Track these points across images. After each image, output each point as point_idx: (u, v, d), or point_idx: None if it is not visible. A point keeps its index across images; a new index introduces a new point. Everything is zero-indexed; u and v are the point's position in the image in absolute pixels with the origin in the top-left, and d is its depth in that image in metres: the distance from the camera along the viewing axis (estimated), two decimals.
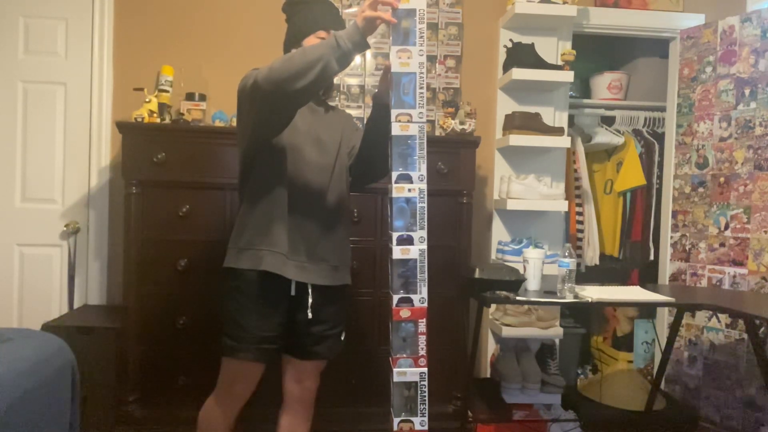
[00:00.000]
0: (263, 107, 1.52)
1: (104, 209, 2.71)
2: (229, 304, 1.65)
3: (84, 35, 2.69)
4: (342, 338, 1.78)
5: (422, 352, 1.41)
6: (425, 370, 1.41)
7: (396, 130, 1.39)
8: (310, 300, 1.64)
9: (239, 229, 1.67)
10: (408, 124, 1.39)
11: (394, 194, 1.39)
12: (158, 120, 2.41)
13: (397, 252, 1.39)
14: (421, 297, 1.40)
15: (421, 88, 1.38)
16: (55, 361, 1.57)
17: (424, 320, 1.40)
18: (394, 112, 1.39)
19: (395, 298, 1.39)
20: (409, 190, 1.38)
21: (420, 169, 1.39)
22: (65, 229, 2.67)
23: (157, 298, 2.28)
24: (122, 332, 2.27)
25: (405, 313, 1.39)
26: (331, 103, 1.87)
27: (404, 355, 1.40)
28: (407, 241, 1.39)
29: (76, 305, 2.66)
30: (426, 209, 1.40)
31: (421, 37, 1.38)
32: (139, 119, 2.33)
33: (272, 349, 1.64)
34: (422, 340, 1.41)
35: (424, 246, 1.40)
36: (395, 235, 1.39)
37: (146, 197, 2.29)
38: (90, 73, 2.69)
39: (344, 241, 1.75)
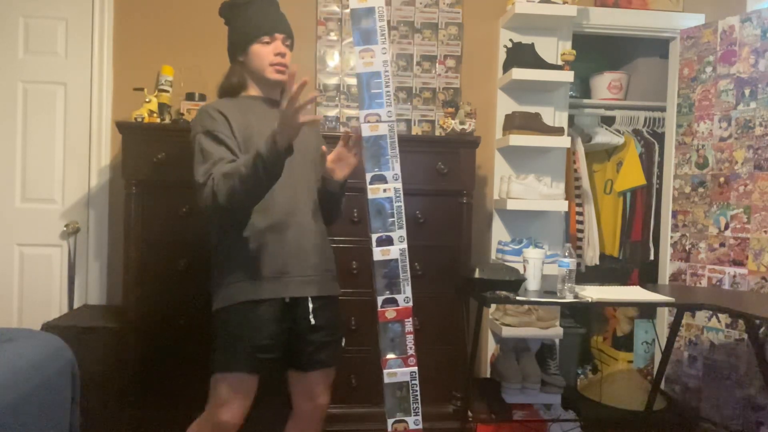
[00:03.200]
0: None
1: (104, 209, 2.71)
2: (221, 317, 1.60)
3: (84, 35, 2.69)
4: (342, 344, 1.76)
5: (411, 352, 1.40)
6: (415, 369, 1.40)
7: (366, 131, 1.38)
8: (311, 305, 1.61)
9: (225, 267, 1.61)
10: (377, 124, 1.38)
11: (370, 195, 1.38)
12: (158, 120, 2.41)
13: (378, 253, 1.38)
14: (405, 296, 1.39)
15: (388, 86, 1.37)
16: (55, 362, 1.57)
17: (410, 319, 1.40)
18: (362, 113, 1.38)
19: (380, 299, 1.39)
20: (384, 190, 1.38)
21: (393, 168, 1.38)
22: (65, 229, 2.67)
23: (157, 298, 2.28)
24: (122, 332, 2.27)
25: (390, 313, 1.39)
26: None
27: (393, 356, 1.40)
28: (387, 241, 1.38)
29: (76, 305, 2.66)
30: (403, 208, 1.39)
31: (383, 35, 1.36)
32: (139, 119, 2.33)
33: (269, 359, 1.58)
34: (410, 339, 1.40)
35: (404, 245, 1.39)
36: (374, 237, 1.38)
37: (146, 197, 2.28)
38: (90, 73, 2.69)
39: (329, 248, 1.75)
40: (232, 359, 1.56)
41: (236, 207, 1.51)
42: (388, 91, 1.37)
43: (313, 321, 1.61)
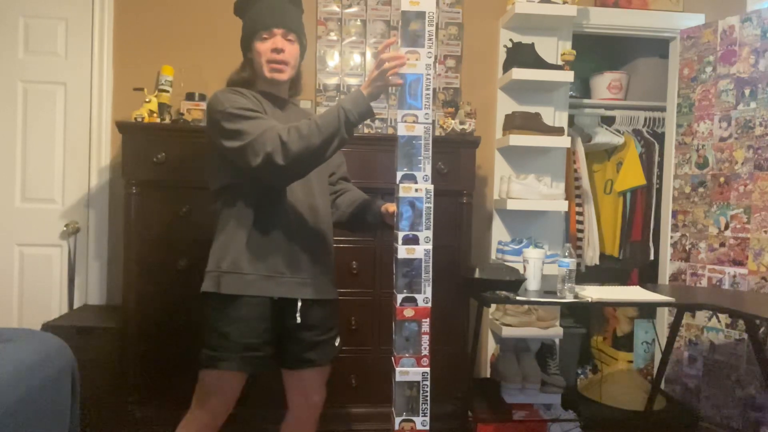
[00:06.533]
0: (266, 178, 1.51)
1: (104, 209, 2.71)
2: (210, 314, 1.58)
3: (84, 35, 2.69)
4: (336, 344, 1.74)
5: (425, 352, 1.41)
6: (428, 369, 1.41)
7: (402, 130, 1.39)
8: (299, 304, 1.59)
9: (222, 252, 1.59)
10: (414, 124, 1.40)
11: (401, 194, 1.39)
12: (158, 120, 2.41)
13: (403, 252, 1.39)
14: (425, 297, 1.40)
15: (428, 89, 1.39)
16: (55, 362, 1.57)
17: (428, 320, 1.40)
18: (400, 113, 1.40)
19: (399, 297, 1.39)
20: (416, 190, 1.39)
21: (425, 170, 1.40)
22: (65, 229, 2.67)
23: (157, 298, 2.28)
24: (122, 332, 2.27)
25: (409, 312, 1.40)
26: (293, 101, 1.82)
27: (407, 355, 1.40)
28: (413, 240, 1.39)
29: (76, 305, 2.66)
30: (432, 209, 1.40)
31: (430, 39, 1.39)
32: (139, 119, 2.33)
33: (256, 357, 1.56)
34: (425, 339, 1.41)
35: (430, 246, 1.40)
36: (401, 235, 1.39)
37: (146, 197, 2.28)
38: (90, 73, 2.69)
39: (332, 253, 1.74)
40: (221, 356, 1.54)
41: (300, 165, 1.46)
42: (427, 94, 1.40)
43: (299, 320, 1.59)
